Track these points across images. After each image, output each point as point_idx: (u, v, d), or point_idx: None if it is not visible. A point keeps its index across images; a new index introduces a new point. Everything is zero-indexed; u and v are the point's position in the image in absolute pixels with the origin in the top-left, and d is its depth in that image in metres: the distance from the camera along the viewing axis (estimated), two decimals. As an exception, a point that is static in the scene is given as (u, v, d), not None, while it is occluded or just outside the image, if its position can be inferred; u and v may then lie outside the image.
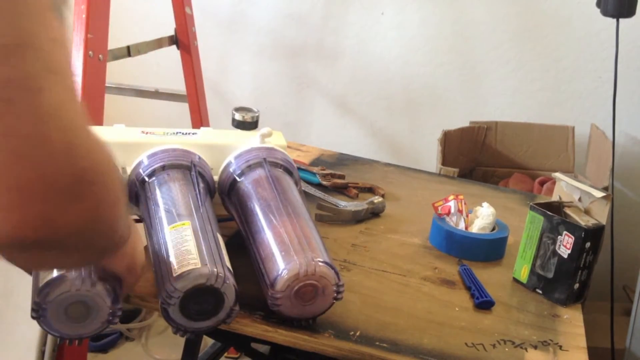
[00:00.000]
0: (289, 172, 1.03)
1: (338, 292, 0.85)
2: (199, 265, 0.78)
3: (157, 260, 0.83)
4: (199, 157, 1.00)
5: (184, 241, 0.82)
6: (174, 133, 1.03)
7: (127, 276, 0.77)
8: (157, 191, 0.93)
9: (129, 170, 0.98)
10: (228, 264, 0.83)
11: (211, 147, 1.03)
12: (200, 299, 0.78)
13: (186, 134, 1.04)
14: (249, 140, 1.06)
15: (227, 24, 2.29)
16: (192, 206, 0.90)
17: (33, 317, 0.73)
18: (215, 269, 0.78)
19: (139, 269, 0.78)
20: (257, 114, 1.10)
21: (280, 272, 0.82)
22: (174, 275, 0.77)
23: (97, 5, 1.47)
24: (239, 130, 1.10)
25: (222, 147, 1.04)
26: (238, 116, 1.09)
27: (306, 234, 0.88)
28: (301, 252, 0.84)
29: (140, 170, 0.96)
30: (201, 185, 0.96)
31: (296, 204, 0.94)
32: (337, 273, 0.84)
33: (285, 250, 0.84)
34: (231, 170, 1.01)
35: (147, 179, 0.95)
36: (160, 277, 0.80)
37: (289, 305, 0.83)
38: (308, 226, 0.90)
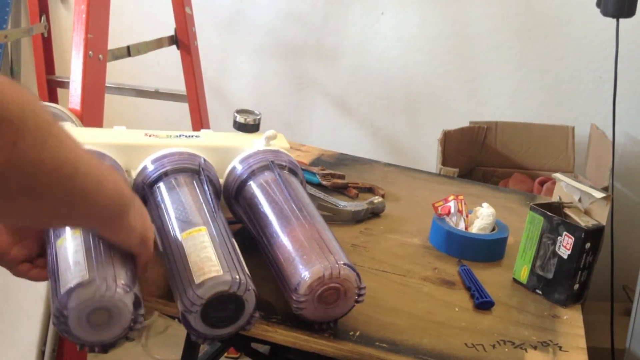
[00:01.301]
0: (295, 174, 1.03)
1: (359, 295, 0.85)
2: (221, 273, 0.77)
3: (174, 267, 0.82)
4: (205, 160, 0.99)
5: (202, 247, 0.81)
6: (177, 136, 1.03)
7: (141, 251, 0.76)
8: (167, 196, 0.92)
9: (134, 173, 0.97)
10: (246, 269, 0.82)
11: (215, 150, 1.02)
12: (222, 306, 0.78)
13: (189, 136, 1.03)
14: (254, 142, 1.05)
15: (227, 24, 2.29)
16: (206, 211, 0.89)
17: (54, 324, 0.71)
18: (238, 276, 0.78)
19: (151, 243, 0.77)
20: (259, 117, 1.10)
21: (303, 276, 0.81)
22: (196, 282, 0.76)
23: (97, 5, 1.47)
24: (241, 133, 1.09)
25: (227, 149, 1.04)
26: (240, 118, 1.09)
27: (323, 236, 0.87)
28: (322, 255, 0.83)
29: (148, 174, 0.96)
30: (210, 189, 0.95)
31: (309, 206, 0.94)
32: (358, 275, 0.84)
33: (307, 254, 0.84)
34: (238, 173, 1.01)
35: (155, 183, 0.94)
36: (181, 284, 0.79)
37: (311, 309, 0.83)
38: (324, 228, 0.90)
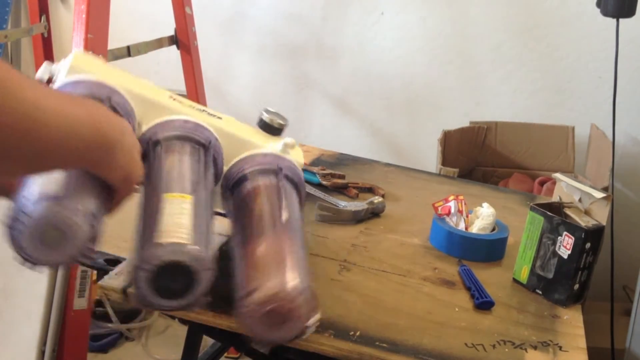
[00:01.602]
0: (297, 190, 1.01)
1: (304, 333, 0.79)
2: (187, 242, 0.75)
3: (145, 220, 0.79)
4: (216, 140, 0.98)
5: (180, 213, 0.79)
6: (200, 110, 1.01)
7: (121, 187, 0.74)
8: (167, 157, 0.91)
9: (144, 127, 0.95)
10: (215, 253, 0.80)
11: (231, 137, 1.00)
12: (175, 275, 0.75)
13: (211, 115, 1.02)
14: (271, 144, 1.03)
15: (227, 24, 2.29)
16: (199, 184, 0.88)
17: (7, 226, 0.68)
18: (202, 252, 0.76)
19: (134, 183, 0.74)
20: (284, 124, 1.07)
21: (261, 285, 0.78)
22: (159, 242, 0.74)
23: (97, 5, 1.47)
24: (262, 131, 1.06)
25: (241, 141, 1.02)
26: (266, 117, 1.06)
27: (299, 256, 0.85)
28: (290, 273, 0.80)
29: (157, 132, 0.94)
30: (211, 169, 0.95)
31: (297, 223, 0.92)
32: (315, 310, 0.79)
33: (275, 266, 0.81)
34: (244, 167, 0.99)
35: (160, 142, 0.93)
36: (143, 238, 0.76)
37: (253, 321, 0.78)
38: (303, 250, 0.87)
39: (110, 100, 0.90)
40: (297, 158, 1.05)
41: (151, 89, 0.99)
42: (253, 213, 0.92)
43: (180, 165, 0.90)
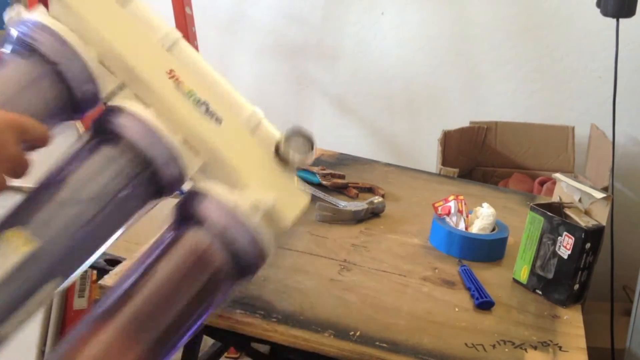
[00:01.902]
0: (239, 266, 0.67)
1: None
2: None
3: None
4: (177, 160, 0.69)
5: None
6: (198, 102, 0.72)
7: None
8: (81, 165, 0.66)
9: (125, 94, 0.71)
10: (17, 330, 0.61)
11: (214, 154, 0.72)
12: None
13: (209, 113, 0.72)
14: (250, 192, 0.70)
15: (227, 24, 2.29)
16: (85, 222, 0.63)
17: None
18: None
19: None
20: (303, 157, 0.75)
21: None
22: None
23: (97, 5, 1.47)
24: (274, 155, 0.76)
25: (227, 168, 0.72)
26: (282, 141, 0.76)
27: None
28: None
29: (110, 120, 0.68)
30: (139, 197, 0.69)
31: (190, 323, 0.65)
32: None
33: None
34: (193, 206, 0.69)
35: (105, 135, 0.68)
36: None
37: None
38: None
39: (57, 66, 0.67)
40: (289, 214, 0.73)
41: (148, 58, 0.73)
42: (140, 281, 0.63)
43: (83, 184, 0.65)
